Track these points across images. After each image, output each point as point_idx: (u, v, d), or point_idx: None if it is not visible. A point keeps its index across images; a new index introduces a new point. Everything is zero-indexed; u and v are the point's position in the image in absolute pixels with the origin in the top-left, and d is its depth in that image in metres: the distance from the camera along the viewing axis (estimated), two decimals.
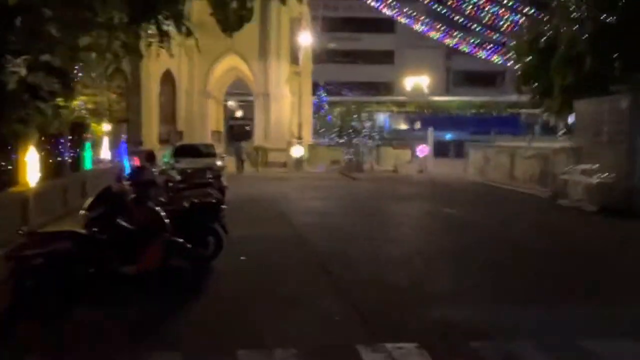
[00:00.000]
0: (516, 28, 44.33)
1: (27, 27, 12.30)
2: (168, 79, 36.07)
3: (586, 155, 17.41)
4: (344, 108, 43.21)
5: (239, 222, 12.91)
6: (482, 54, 54.71)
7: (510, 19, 44.11)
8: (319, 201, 18.00)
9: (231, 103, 48.88)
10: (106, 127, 20.99)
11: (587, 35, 18.76)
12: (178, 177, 13.26)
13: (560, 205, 16.94)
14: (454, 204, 17.14)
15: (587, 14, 18.93)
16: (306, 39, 36.08)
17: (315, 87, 50.94)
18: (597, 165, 16.17)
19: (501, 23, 45.43)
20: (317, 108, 51.83)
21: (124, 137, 21.48)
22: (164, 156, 16.77)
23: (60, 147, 13.35)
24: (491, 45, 54.98)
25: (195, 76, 37.17)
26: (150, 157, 13.00)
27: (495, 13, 45.53)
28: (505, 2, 44.17)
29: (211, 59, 37.19)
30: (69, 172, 13.94)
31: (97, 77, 20.34)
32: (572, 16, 19.37)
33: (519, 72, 24.20)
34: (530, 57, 22.27)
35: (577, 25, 19.14)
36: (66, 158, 13.76)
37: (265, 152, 35.89)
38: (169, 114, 36.52)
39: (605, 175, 15.64)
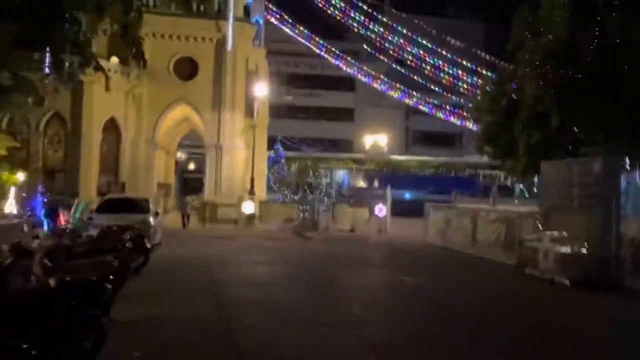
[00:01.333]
0: (474, 90, 44.43)
1: None
2: (112, 127, 33.85)
3: (554, 220, 15.88)
4: (302, 164, 41.64)
5: (155, 295, 10.72)
6: (440, 114, 54.84)
7: (469, 80, 44.23)
8: (262, 267, 15.79)
9: (182, 155, 46.59)
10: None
11: (552, 91, 17.69)
12: (82, 239, 11.12)
13: (528, 275, 15.19)
14: (414, 272, 15.26)
15: (551, 70, 17.93)
16: (262, 90, 34.65)
17: (273, 141, 49.57)
18: (568, 232, 14.70)
19: (460, 84, 45.57)
20: (274, 163, 50.37)
21: (40, 188, 18.79)
22: (75, 211, 14.36)
23: None
24: (449, 106, 55.22)
25: (143, 125, 34.97)
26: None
27: (454, 74, 45.76)
28: (464, 63, 44.49)
29: (161, 108, 35.33)
30: None
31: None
32: (536, 72, 18.35)
33: (480, 132, 23.01)
34: (492, 116, 21.18)
35: (541, 82, 18.09)
36: None
37: (214, 208, 33.63)
38: (111, 164, 34.02)
39: (578, 243, 14.17)
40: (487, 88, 24.29)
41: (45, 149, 32.38)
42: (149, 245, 13.43)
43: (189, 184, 53.61)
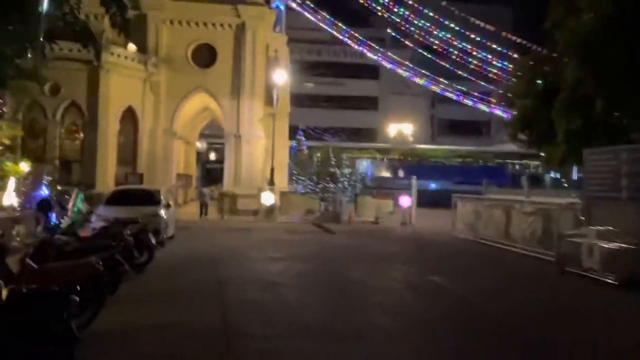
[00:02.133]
0: (504, 76, 42.47)
1: None
2: (129, 117, 33.06)
3: (599, 213, 14.39)
4: (324, 153, 40.22)
5: (154, 298, 9.69)
6: (468, 102, 52.96)
7: (499, 65, 42.17)
8: (277, 264, 14.47)
9: (203, 145, 45.66)
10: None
11: (597, 73, 16.06)
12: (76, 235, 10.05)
13: (569, 274, 13.74)
14: (443, 271, 13.88)
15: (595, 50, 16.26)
16: (282, 78, 33.37)
17: (295, 130, 48.51)
18: (615, 226, 13.23)
19: (489, 69, 43.57)
20: (296, 153, 49.35)
21: (46, 179, 17.81)
22: (73, 204, 13.31)
23: None
24: (478, 93, 53.28)
25: (162, 115, 34.12)
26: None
27: (483, 59, 43.75)
28: (493, 47, 42.48)
29: (179, 97, 34.45)
30: None
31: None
32: (578, 53, 16.66)
33: (514, 117, 21.37)
34: (528, 100, 19.55)
35: (584, 64, 16.43)
36: None
37: (234, 198, 32.56)
38: (128, 155, 33.27)
39: (627, 239, 12.69)
40: (520, 72, 22.42)
41: (62, 139, 31.76)
42: (153, 241, 12.33)
43: (211, 174, 52.66)
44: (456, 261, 16.47)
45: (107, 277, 8.13)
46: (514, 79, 22.85)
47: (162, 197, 17.55)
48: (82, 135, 31.81)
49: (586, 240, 13.88)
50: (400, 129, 60.80)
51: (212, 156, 56.03)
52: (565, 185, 35.90)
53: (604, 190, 14.59)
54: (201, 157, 50.64)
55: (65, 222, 11.08)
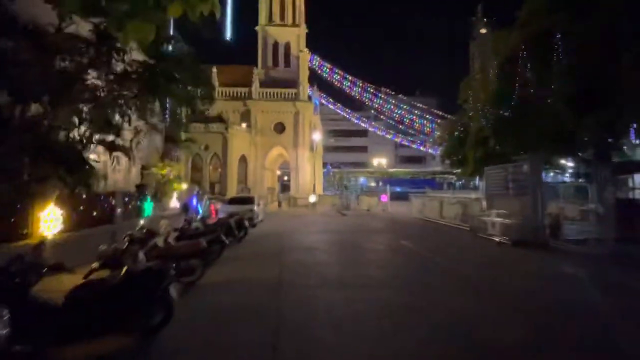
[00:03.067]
0: (433, 132, 40.18)
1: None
2: (242, 159, 32.27)
3: (496, 203, 12.45)
4: (340, 174, 38.48)
5: (241, 259, 8.30)
6: (414, 146, 50.61)
7: (430, 125, 40.26)
8: (315, 235, 12.90)
9: (279, 172, 44.56)
10: (184, 185, 16.48)
11: (490, 124, 14.16)
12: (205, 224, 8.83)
13: (480, 237, 11.86)
14: (409, 237, 12.12)
15: (488, 110, 14.37)
16: (317, 137, 32.20)
17: (326, 164, 47.12)
18: (506, 210, 11.34)
19: (425, 128, 41.73)
20: (327, 175, 47.83)
21: (196, 191, 16.93)
22: (203, 205, 12.55)
23: (102, 202, 8.98)
24: (419, 141, 50.83)
25: (258, 158, 33.23)
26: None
27: (421, 123, 41.85)
28: (427, 117, 40.69)
29: (267, 149, 33.45)
30: (120, 221, 9.35)
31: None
32: (479, 112, 14.81)
33: (443, 151, 19.43)
34: (450, 141, 17.71)
35: (482, 119, 14.56)
36: (116, 209, 9.32)
37: (295, 199, 31.45)
38: (242, 179, 32.43)
39: (514, 218, 10.81)
40: (444, 128, 20.52)
41: (210, 172, 31.30)
42: (247, 224, 11.08)
43: (285, 187, 51.74)
44: (414, 231, 14.60)
45: (212, 250, 6.90)
46: (438, 133, 20.98)
47: (255, 200, 16.42)
48: (219, 170, 31.20)
49: (490, 218, 12.03)
50: (379, 161, 58.77)
51: (285, 177, 55.04)
52: (471, 188, 33.24)
53: (498, 190, 12.63)
54: (280, 178, 49.31)
55: (199, 216, 9.97)
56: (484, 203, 13.50)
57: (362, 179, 52.63)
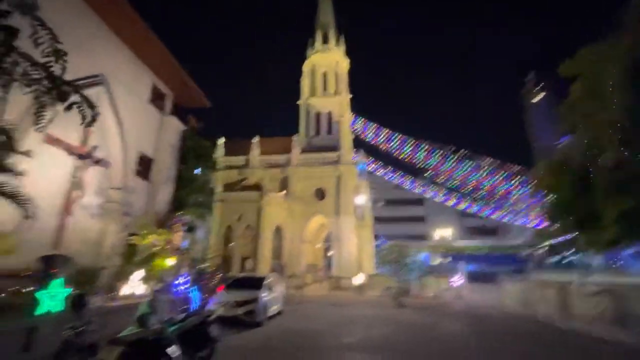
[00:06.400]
0: (509, 195, 32.85)
1: None
2: (278, 230, 28.47)
3: None
4: (398, 248, 32.02)
5: None
6: (485, 213, 42.36)
7: (504, 188, 33.15)
8: (351, 354, 7.53)
9: (321, 245, 39.32)
10: (170, 261, 12.45)
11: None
12: None
13: None
14: None
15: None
16: (362, 202, 27.56)
17: (377, 236, 40.94)
18: None
19: (498, 191, 34.43)
20: (379, 250, 41.14)
21: (185, 270, 12.78)
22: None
23: None
24: (491, 207, 42.63)
25: (296, 229, 29.22)
26: None
27: (493, 184, 34.86)
28: (500, 177, 33.90)
29: (306, 218, 29.53)
30: None
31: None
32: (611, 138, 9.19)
33: (549, 209, 13.10)
34: (561, 192, 11.68)
35: (622, 147, 8.91)
36: None
37: (338, 279, 25.53)
38: (277, 253, 28.11)
39: None
40: (542, 173, 14.44)
41: (241, 246, 27.78)
42: (214, 334, 6.29)
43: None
44: (530, 348, 8.05)
45: None
46: (535, 182, 14.83)
47: (266, 283, 11.51)
48: (252, 242, 27.59)
49: None
50: (442, 233, 50.74)
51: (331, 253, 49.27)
52: (576, 265, 23.99)
53: None
54: (325, 252, 43.84)
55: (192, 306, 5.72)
56: None
57: (424, 255, 44.52)
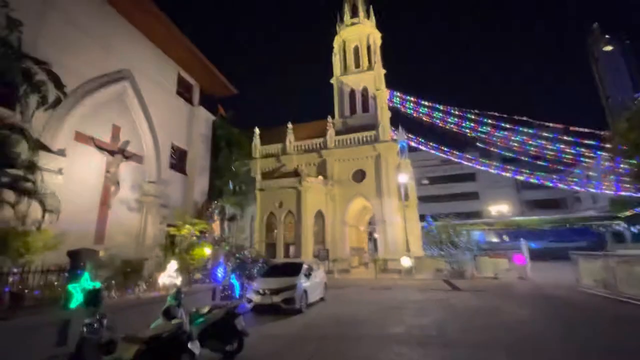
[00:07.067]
0: (579, 159, 28.57)
1: None
2: (319, 215, 28.07)
3: None
4: (446, 228, 29.82)
5: None
6: (548, 183, 37.62)
7: (572, 151, 28.69)
8: (397, 347, 6.65)
9: (363, 228, 38.13)
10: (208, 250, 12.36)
11: None
12: None
13: None
14: None
15: None
16: (405, 180, 25.83)
17: (425, 217, 38.77)
18: None
19: (563, 156, 29.94)
20: (427, 230, 38.97)
21: (222, 258, 12.61)
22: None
23: None
24: (555, 177, 37.78)
25: (337, 213, 28.60)
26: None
27: (557, 149, 30.45)
28: (564, 138, 29.47)
29: (346, 201, 28.70)
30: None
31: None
32: None
33: (634, 170, 10.65)
34: None
35: None
36: None
37: (384, 262, 24.59)
38: (320, 238, 27.81)
39: None
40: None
41: (285, 232, 27.99)
42: (240, 327, 5.78)
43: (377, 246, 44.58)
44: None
45: None
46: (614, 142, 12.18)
47: (303, 269, 10.95)
48: (294, 228, 27.62)
49: None
50: (498, 209, 46.71)
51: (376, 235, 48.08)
52: None
53: None
54: (372, 236, 42.76)
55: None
56: None
57: (478, 234, 41.34)
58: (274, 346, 6.18)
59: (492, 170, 38.89)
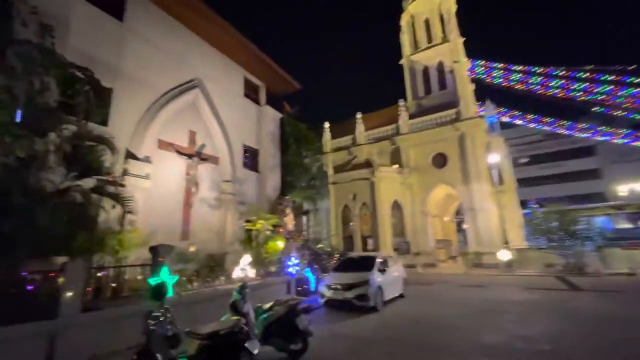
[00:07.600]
0: None
1: None
2: (396, 206, 26.49)
3: None
4: (559, 213, 24.25)
5: None
6: None
7: None
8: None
9: (447, 218, 34.42)
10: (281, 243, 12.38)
11: None
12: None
13: None
14: None
15: None
16: (497, 161, 22.27)
17: (525, 202, 33.07)
18: None
19: None
20: (532, 218, 33.08)
21: (295, 251, 12.38)
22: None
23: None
24: None
25: (416, 202, 26.57)
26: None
27: None
28: None
29: (427, 190, 26.42)
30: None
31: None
32: None
33: None
34: None
35: None
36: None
37: (477, 255, 21.74)
38: (399, 230, 26.24)
39: None
40: None
41: (361, 224, 27.32)
42: (304, 327, 5.36)
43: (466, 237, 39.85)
44: None
45: None
46: None
47: (377, 263, 10.08)
48: (371, 220, 26.73)
49: None
50: (630, 188, 36.94)
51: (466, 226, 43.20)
52: None
53: None
54: (459, 226, 38.67)
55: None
56: None
57: (601, 220, 33.42)
58: (340, 349, 5.66)
59: (617, 141, 30.73)
